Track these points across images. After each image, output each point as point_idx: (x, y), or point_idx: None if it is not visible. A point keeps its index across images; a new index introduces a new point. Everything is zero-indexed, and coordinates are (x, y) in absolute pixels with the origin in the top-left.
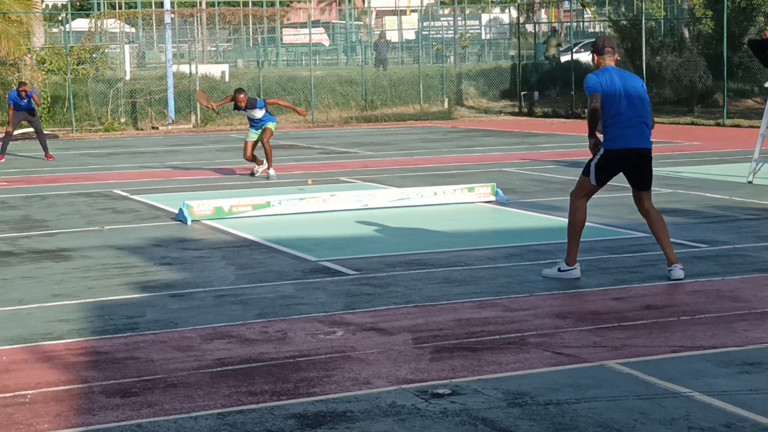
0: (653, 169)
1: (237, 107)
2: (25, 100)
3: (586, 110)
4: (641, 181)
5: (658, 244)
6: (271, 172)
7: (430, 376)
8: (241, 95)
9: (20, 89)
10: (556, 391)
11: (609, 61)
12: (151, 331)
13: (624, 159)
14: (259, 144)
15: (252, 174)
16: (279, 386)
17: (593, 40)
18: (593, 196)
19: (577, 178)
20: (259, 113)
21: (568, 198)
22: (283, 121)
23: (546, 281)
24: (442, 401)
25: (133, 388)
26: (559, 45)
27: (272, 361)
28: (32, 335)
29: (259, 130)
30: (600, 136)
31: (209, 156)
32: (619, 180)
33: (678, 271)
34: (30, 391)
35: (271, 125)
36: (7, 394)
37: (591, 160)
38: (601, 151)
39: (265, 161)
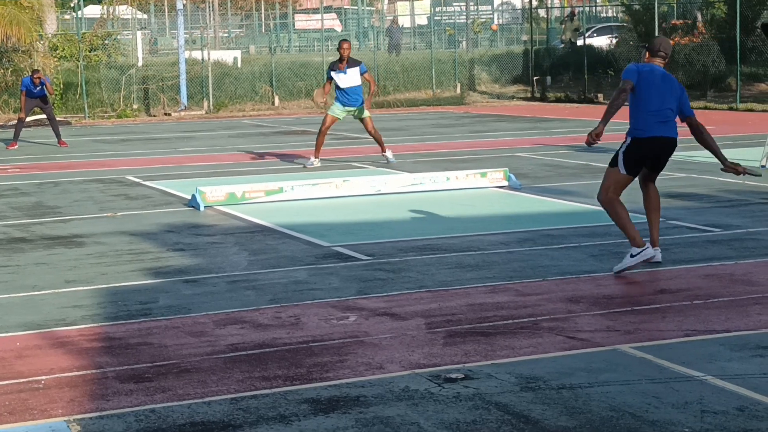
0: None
1: (333, 69)
2: (38, 88)
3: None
4: (657, 166)
5: (648, 222)
6: (388, 154)
7: (443, 361)
8: (346, 44)
9: (34, 76)
10: (569, 375)
11: (658, 62)
12: (165, 316)
13: (652, 146)
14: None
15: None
16: (292, 371)
17: (606, 24)
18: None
19: (590, 164)
20: (354, 78)
21: (580, 182)
22: (295, 107)
23: (558, 265)
24: (455, 385)
25: (147, 373)
26: (576, 30)
27: (285, 346)
28: (46, 321)
29: (348, 108)
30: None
31: (222, 142)
32: None
33: (659, 255)
34: (44, 377)
35: (366, 112)
36: (21, 380)
37: (619, 149)
38: (628, 140)
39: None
